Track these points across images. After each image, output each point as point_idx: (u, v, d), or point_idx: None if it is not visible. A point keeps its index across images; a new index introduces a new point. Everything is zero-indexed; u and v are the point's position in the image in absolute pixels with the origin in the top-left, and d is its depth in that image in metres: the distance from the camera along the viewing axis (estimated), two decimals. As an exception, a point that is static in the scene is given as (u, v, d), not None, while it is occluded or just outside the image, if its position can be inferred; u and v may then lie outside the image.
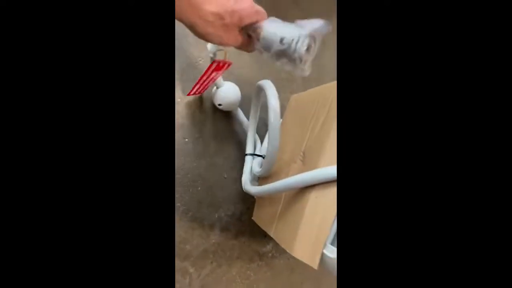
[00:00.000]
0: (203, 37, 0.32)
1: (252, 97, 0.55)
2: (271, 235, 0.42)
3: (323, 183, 0.34)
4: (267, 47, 0.31)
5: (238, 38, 0.33)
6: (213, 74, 0.49)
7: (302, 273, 0.74)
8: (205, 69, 0.47)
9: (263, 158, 0.56)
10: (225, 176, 0.62)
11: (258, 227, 0.59)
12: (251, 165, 0.54)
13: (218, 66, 0.46)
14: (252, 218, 0.52)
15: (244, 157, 0.56)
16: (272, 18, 0.32)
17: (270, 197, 0.46)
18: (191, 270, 0.59)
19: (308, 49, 0.30)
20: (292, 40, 0.30)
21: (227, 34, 0.32)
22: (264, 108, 0.58)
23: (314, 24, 0.31)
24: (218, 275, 0.62)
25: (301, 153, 0.42)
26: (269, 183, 0.47)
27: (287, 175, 0.44)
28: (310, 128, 0.42)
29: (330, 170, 0.32)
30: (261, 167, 0.53)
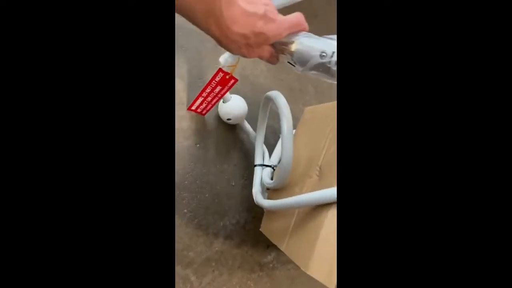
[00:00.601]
0: (225, 49, 0.33)
1: (260, 108, 0.55)
2: (283, 250, 0.42)
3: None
4: (303, 61, 0.32)
5: (263, 54, 0.34)
6: (218, 88, 0.49)
7: (303, 284, 0.74)
8: (209, 79, 0.47)
9: (273, 168, 0.56)
10: (233, 183, 0.62)
11: (261, 237, 0.58)
12: (261, 176, 0.53)
13: (223, 78, 0.46)
14: (260, 229, 0.51)
15: (253, 167, 0.56)
16: (304, 33, 0.33)
17: (283, 211, 0.46)
18: (193, 278, 0.58)
19: None
20: (333, 53, 0.31)
21: (250, 52, 0.33)
22: (271, 116, 0.57)
23: None
24: (219, 284, 0.61)
25: (318, 168, 0.42)
26: (281, 195, 0.47)
27: (301, 190, 0.44)
28: (327, 142, 0.42)
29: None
30: (271, 178, 0.53)
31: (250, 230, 0.64)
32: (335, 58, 0.31)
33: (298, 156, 0.46)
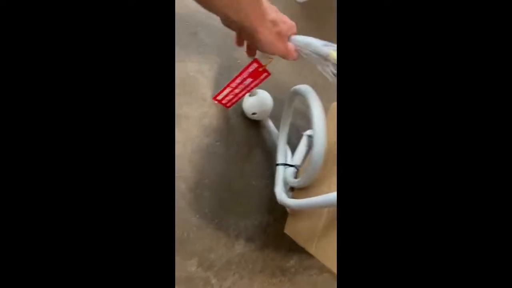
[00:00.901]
0: (259, 43, 0.35)
1: (285, 104, 0.53)
2: (312, 253, 0.39)
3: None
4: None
5: (288, 46, 0.38)
6: (248, 80, 0.47)
7: (326, 290, 0.70)
8: (241, 69, 0.45)
9: (296, 168, 0.53)
10: (254, 183, 0.60)
11: (283, 240, 0.56)
12: (283, 176, 0.51)
13: (255, 70, 0.44)
14: (285, 231, 0.49)
15: (275, 166, 0.53)
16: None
17: (310, 211, 0.43)
18: (213, 281, 0.56)
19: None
20: (321, 45, 0.37)
21: (279, 42, 0.36)
22: (294, 114, 0.55)
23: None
24: (239, 287, 0.59)
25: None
26: (307, 194, 0.44)
27: (329, 188, 0.41)
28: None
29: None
30: (295, 177, 0.50)
31: (271, 233, 0.61)
32: (324, 49, 0.36)
33: (325, 152, 0.44)
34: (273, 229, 0.62)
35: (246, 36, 0.35)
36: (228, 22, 0.32)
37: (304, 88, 0.44)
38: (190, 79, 0.57)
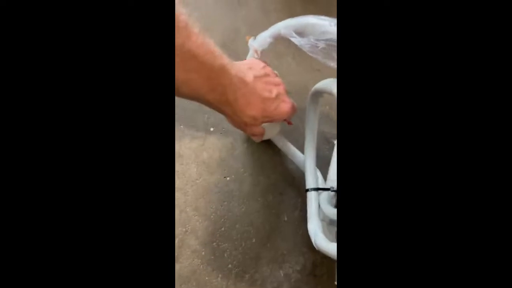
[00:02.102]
0: (232, 124, 0.38)
1: (307, 108, 0.41)
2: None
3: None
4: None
5: (258, 131, 0.38)
6: None
7: None
8: None
9: (333, 191, 0.40)
10: (286, 219, 0.47)
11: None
12: (317, 205, 0.38)
13: None
14: (335, 283, 0.35)
15: (306, 194, 0.41)
16: None
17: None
18: None
19: None
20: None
21: (249, 129, 0.37)
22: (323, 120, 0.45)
23: None
24: None
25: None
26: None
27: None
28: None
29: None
30: (335, 205, 0.37)
31: (322, 275, 0.48)
32: None
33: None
34: (324, 270, 0.48)
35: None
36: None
37: (329, 83, 0.34)
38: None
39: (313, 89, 0.38)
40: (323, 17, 0.32)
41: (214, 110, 0.33)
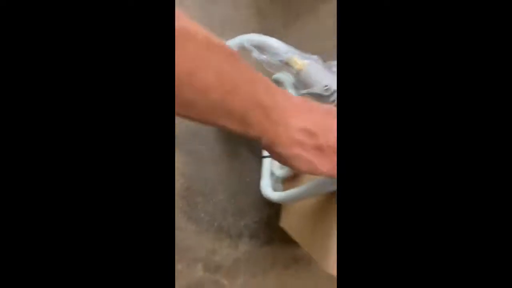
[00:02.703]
0: (285, 160, 0.23)
1: None
2: (303, 247, 0.38)
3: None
4: (306, 84, 0.34)
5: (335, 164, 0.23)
6: None
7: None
8: None
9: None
10: (248, 179, 0.59)
11: (290, 230, 0.54)
12: (270, 168, 0.50)
13: None
14: (280, 224, 0.48)
15: (262, 160, 0.52)
16: (316, 58, 0.34)
17: (299, 202, 0.41)
18: (225, 282, 0.57)
19: None
20: (335, 91, 0.32)
21: (321, 159, 0.23)
22: None
23: None
24: (253, 286, 0.59)
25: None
26: (296, 185, 0.43)
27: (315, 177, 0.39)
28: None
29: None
30: (282, 168, 0.49)
31: (276, 225, 0.60)
32: (335, 97, 0.32)
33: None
34: (277, 222, 0.61)
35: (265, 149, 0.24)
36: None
37: (282, 76, 0.42)
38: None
39: (272, 77, 0.45)
40: (279, 41, 0.35)
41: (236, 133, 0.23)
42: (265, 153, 0.53)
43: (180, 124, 0.56)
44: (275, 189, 0.46)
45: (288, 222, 0.45)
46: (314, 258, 0.34)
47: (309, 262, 0.65)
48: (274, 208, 0.61)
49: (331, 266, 0.29)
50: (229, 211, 0.57)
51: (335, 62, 0.35)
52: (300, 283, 0.64)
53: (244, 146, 0.60)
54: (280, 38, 0.38)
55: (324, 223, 0.34)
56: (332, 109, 0.25)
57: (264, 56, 0.35)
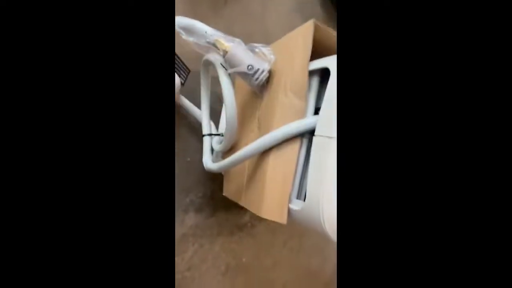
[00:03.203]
0: None
1: (201, 73, 0.53)
2: (242, 204, 0.44)
3: (279, 144, 0.35)
4: (231, 64, 0.37)
5: None
6: None
7: (284, 233, 0.78)
8: None
9: (222, 136, 0.56)
10: (189, 159, 0.62)
11: (233, 201, 0.60)
12: (210, 145, 0.54)
13: None
14: (223, 193, 0.53)
15: (202, 138, 0.56)
16: (239, 41, 0.37)
17: (236, 170, 0.47)
18: (176, 259, 0.60)
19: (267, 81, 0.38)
20: (258, 69, 0.36)
21: None
22: (215, 82, 0.57)
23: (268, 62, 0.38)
24: (202, 255, 0.63)
25: (256, 121, 0.43)
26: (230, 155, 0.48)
27: (246, 145, 0.45)
28: (261, 94, 0.43)
29: (283, 129, 0.34)
30: (221, 143, 0.53)
31: (219, 198, 0.65)
32: (258, 75, 0.36)
33: (241, 114, 0.47)
34: (220, 195, 0.65)
35: None
36: None
37: (212, 57, 0.44)
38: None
39: (203, 59, 0.47)
40: (205, 25, 0.38)
41: None
42: (205, 131, 0.57)
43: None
44: (214, 162, 0.51)
45: (229, 189, 0.51)
46: (250, 209, 0.40)
47: (252, 228, 0.73)
48: (216, 184, 0.65)
49: (264, 210, 0.35)
50: (175, 189, 0.59)
51: (256, 44, 0.39)
52: (244, 247, 0.71)
53: (184, 127, 0.62)
54: (209, 23, 0.40)
55: (256, 176, 0.39)
56: None
57: (192, 38, 0.38)
